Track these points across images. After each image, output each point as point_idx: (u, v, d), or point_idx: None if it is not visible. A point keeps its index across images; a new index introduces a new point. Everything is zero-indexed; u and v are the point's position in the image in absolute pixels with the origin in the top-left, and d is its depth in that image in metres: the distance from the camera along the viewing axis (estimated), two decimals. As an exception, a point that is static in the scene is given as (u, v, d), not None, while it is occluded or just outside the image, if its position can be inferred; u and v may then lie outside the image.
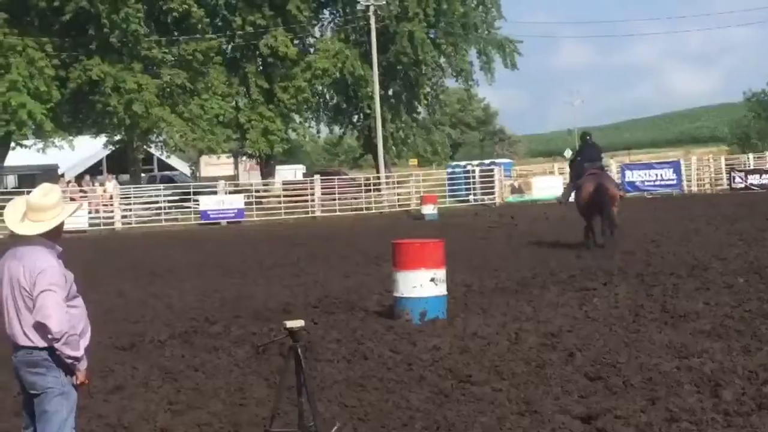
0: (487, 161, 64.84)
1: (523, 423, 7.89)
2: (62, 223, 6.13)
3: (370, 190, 51.79)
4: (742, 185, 49.67)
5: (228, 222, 44.32)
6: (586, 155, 23.13)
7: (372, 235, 29.93)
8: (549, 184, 51.57)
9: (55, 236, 6.07)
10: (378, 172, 54.98)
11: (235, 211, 45.34)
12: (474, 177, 52.69)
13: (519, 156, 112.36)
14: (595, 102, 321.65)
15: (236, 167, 77.85)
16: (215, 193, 48.00)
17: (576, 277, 16.58)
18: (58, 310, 5.89)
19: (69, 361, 5.97)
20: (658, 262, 18.20)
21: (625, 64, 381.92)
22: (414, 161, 72.50)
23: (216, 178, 56.54)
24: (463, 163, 66.30)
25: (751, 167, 52.77)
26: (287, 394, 7.95)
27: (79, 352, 6.01)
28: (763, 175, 50.31)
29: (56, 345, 5.89)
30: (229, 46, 56.05)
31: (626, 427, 7.54)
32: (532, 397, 8.60)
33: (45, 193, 6.08)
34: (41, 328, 5.88)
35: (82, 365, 6.10)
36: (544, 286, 15.74)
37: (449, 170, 59.03)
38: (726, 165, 54.09)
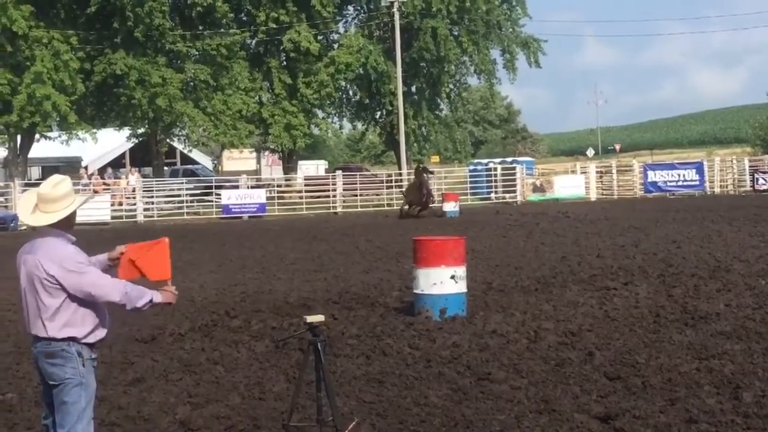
0: (509, 159, 64.76)
1: (542, 421, 7.88)
2: (74, 214, 6.16)
3: (391, 187, 51.80)
4: (766, 186, 49.44)
5: (249, 216, 44.45)
6: None
7: (393, 232, 29.94)
8: (571, 183, 51.52)
9: (66, 226, 6.10)
10: (400, 168, 54.96)
11: (257, 205, 45.44)
12: (496, 175, 52.62)
13: (541, 155, 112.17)
14: (619, 101, 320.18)
15: (258, 162, 78.00)
16: (237, 187, 48.14)
17: (597, 276, 16.54)
18: (103, 281, 5.99)
19: (146, 307, 6.08)
20: (679, 262, 18.14)
21: (648, 63, 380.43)
22: (436, 158, 72.39)
23: (238, 173, 56.69)
24: (485, 160, 66.16)
25: (775, 168, 52.47)
26: (306, 389, 7.97)
27: (147, 297, 6.07)
28: (787, 178, 50.06)
29: (128, 308, 6.00)
30: (253, 41, 56.23)
31: (645, 427, 7.53)
32: (550, 396, 8.60)
33: (54, 184, 6.11)
34: (109, 305, 6.04)
35: (159, 297, 6.16)
36: (564, 284, 15.72)
37: (471, 168, 58.92)
38: (749, 166, 53.84)
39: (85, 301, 5.98)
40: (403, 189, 43.21)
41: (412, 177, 42.08)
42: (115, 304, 5.99)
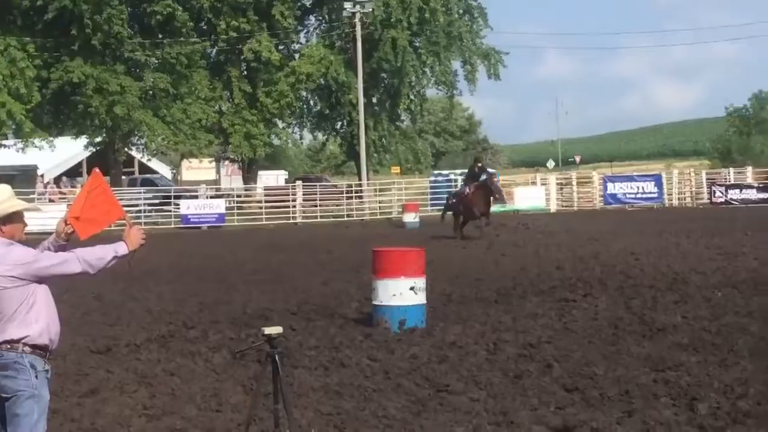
0: (469, 171, 64.83)
1: (500, 433, 7.87)
2: (19, 222, 6.08)
3: (351, 197, 51.75)
4: (723, 199, 49.95)
5: (209, 226, 44.19)
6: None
7: (353, 243, 29.89)
8: (531, 194, 51.70)
9: (11, 234, 6.02)
10: (360, 179, 54.96)
11: (216, 215, 45.21)
12: (456, 186, 52.69)
13: (502, 166, 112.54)
14: (579, 113, 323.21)
15: (218, 171, 77.63)
16: (196, 197, 47.88)
17: (556, 287, 16.59)
18: (57, 258, 5.95)
19: (113, 261, 5.97)
20: (637, 274, 18.24)
21: (609, 76, 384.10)
22: (396, 169, 72.51)
23: (197, 182, 56.46)
24: (446, 171, 66.34)
25: (732, 182, 53.06)
26: (263, 401, 7.90)
27: (110, 254, 5.94)
28: (743, 190, 50.63)
29: (95, 272, 5.95)
30: (213, 50, 56.07)
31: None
32: (508, 408, 8.58)
33: None
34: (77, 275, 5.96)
35: (123, 248, 6.00)
36: (523, 296, 15.75)
37: (432, 179, 59.04)
38: (707, 179, 54.39)
39: (39, 303, 5.91)
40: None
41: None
42: (82, 273, 5.92)
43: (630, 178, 54.56)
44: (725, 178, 54.69)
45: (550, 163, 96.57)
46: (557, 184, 53.85)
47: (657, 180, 52.53)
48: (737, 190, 50.79)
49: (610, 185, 51.99)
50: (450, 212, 31.93)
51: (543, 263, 21.10)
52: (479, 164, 31.08)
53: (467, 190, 29.77)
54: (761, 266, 18.90)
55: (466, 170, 33.33)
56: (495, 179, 31.34)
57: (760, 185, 51.82)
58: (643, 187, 51.79)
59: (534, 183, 55.44)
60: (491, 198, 29.43)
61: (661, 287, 16.16)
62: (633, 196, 51.21)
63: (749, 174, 55.22)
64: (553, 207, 51.01)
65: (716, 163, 79.08)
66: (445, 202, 34.28)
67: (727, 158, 79.44)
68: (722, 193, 50.69)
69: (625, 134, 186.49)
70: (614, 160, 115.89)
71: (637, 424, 7.87)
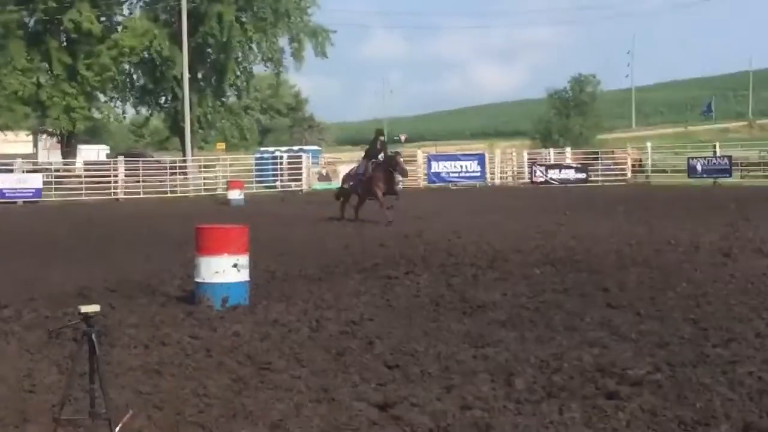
0: (295, 148, 64.86)
1: (321, 410, 7.86)
2: None
3: (175, 174, 50.95)
4: (543, 179, 51.42)
5: (25, 201, 42.76)
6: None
7: (176, 219, 29.41)
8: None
9: None
10: (184, 155, 54.18)
11: (33, 190, 43.82)
12: (282, 163, 52.60)
13: (328, 143, 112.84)
14: (405, 92, 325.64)
15: (35, 145, 75.17)
16: (12, 171, 46.22)
17: (379, 265, 16.71)
18: None
19: None
20: (459, 252, 18.55)
21: (434, 56, 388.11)
22: (222, 146, 71.74)
23: (13, 156, 54.42)
24: (271, 149, 66.08)
25: (552, 162, 54.64)
26: (79, 381, 7.68)
27: None
28: (563, 170, 52.25)
29: None
30: (31, 20, 54.04)
31: (422, 414, 7.62)
32: (330, 385, 8.59)
33: None
34: None
35: None
36: (347, 274, 15.82)
37: (257, 156, 58.70)
38: (528, 159, 55.84)
39: None
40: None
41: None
42: None
43: (454, 158, 55.49)
44: (546, 159, 56.27)
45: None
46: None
47: (480, 159, 53.61)
48: (557, 170, 52.37)
49: (434, 164, 52.77)
50: (345, 191, 28.64)
51: (367, 241, 21.24)
52: (381, 138, 28.57)
53: (369, 168, 27.32)
54: (578, 244, 19.51)
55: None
56: (399, 158, 28.51)
57: (578, 166, 53.58)
58: (466, 167, 52.77)
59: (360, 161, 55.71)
60: (395, 177, 27.66)
61: (481, 265, 16.48)
62: (456, 175, 52.11)
63: (568, 154, 56.98)
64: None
65: (537, 144, 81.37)
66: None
67: (547, 139, 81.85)
68: (543, 173, 52.17)
69: (450, 113, 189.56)
70: (439, 140, 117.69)
71: (456, 400, 8.00)
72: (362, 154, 30.18)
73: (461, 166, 52.72)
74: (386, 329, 10.98)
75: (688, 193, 39.97)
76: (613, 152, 58.96)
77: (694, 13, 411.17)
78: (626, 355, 9.40)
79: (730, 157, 50.42)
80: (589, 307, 12.17)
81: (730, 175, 48.85)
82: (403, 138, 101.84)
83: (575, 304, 12.44)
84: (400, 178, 27.94)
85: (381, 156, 27.51)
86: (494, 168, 54.28)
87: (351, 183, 28.37)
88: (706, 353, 9.33)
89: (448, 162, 53.64)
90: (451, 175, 52.02)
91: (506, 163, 56.11)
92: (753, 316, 11.24)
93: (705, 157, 50.04)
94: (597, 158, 56.41)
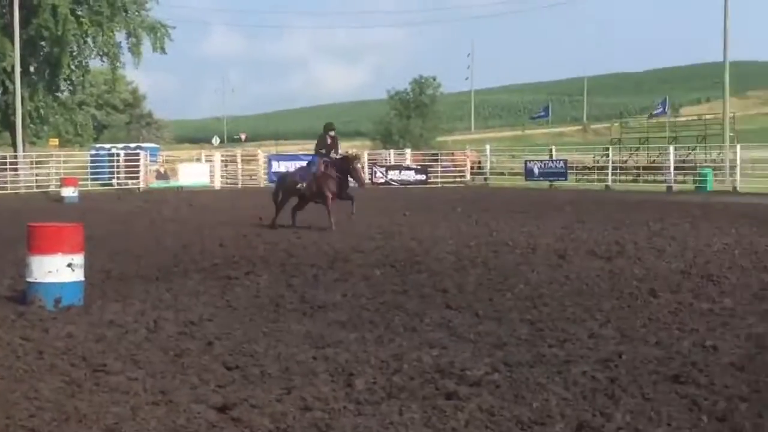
0: (132, 145, 63.70)
1: (158, 413, 7.68)
2: None
3: (6, 170, 49.32)
4: (383, 180, 51.86)
5: None
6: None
7: (6, 217, 28.46)
8: (196, 171, 51.46)
9: None
10: (15, 150, 52.49)
11: None
12: (118, 160, 51.58)
13: (167, 141, 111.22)
14: (247, 91, 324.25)
15: None
16: None
17: (219, 265, 16.53)
18: None
19: None
20: (299, 252, 18.51)
21: (277, 55, 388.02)
22: (55, 141, 69.80)
23: None
24: (107, 145, 64.71)
25: (392, 163, 55.20)
26: None
27: None
28: (403, 171, 52.83)
29: None
30: None
31: (261, 416, 7.53)
32: (168, 387, 8.41)
33: None
34: None
35: None
36: (185, 274, 15.57)
37: (92, 152, 57.37)
38: (369, 160, 56.23)
39: None
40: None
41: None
42: None
43: (295, 157, 55.43)
44: (386, 160, 56.78)
45: (216, 140, 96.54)
46: (222, 161, 53.96)
47: (320, 160, 53.62)
48: (397, 172, 52.93)
49: (274, 163, 52.64)
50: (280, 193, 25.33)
51: (206, 241, 20.98)
52: (331, 133, 25.16)
53: (321, 168, 24.25)
54: (418, 246, 19.71)
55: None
56: (358, 163, 25.74)
57: (418, 167, 54.29)
58: (307, 167, 52.73)
59: (199, 160, 55.23)
60: (348, 178, 24.53)
61: (322, 265, 16.47)
62: (298, 175, 51.98)
63: (408, 156, 57.68)
64: (218, 184, 51.03)
65: (378, 145, 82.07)
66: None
67: (388, 140, 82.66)
68: (383, 174, 52.65)
69: (292, 113, 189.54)
70: (280, 139, 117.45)
71: (296, 401, 7.94)
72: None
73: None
74: (226, 330, 10.84)
75: (525, 195, 40.92)
76: (452, 154, 60.07)
77: (532, 19, 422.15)
78: (465, 355, 9.51)
79: (565, 161, 52.01)
80: (429, 308, 12.27)
81: (566, 178, 50.38)
82: (243, 137, 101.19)
83: (415, 305, 12.54)
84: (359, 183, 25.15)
85: (333, 154, 24.70)
86: (335, 168, 54.38)
87: (304, 183, 24.50)
88: (542, 353, 9.52)
89: (289, 162, 53.48)
90: (292, 174, 51.84)
91: (347, 163, 56.28)
92: (587, 316, 11.53)
93: (542, 161, 51.41)
94: (437, 160, 57.26)
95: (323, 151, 24.68)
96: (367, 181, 52.52)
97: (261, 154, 54.92)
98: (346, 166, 24.31)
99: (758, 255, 17.61)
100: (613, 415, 7.32)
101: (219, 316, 11.79)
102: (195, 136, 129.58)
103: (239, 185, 52.08)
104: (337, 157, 24.70)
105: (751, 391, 7.99)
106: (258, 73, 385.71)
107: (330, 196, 23.97)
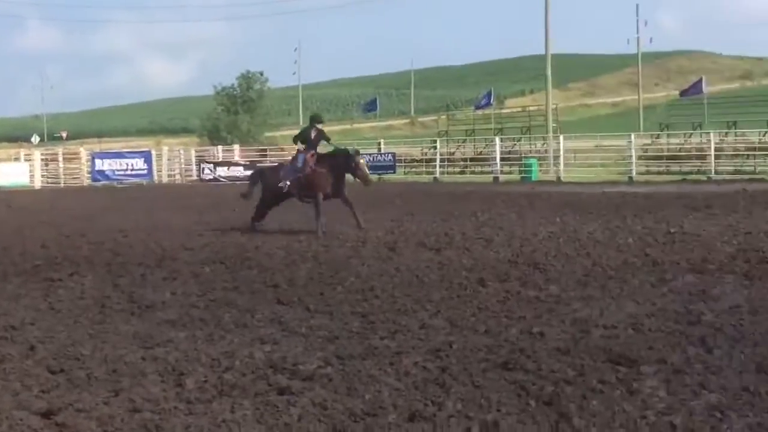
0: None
1: (-23, 423, 7.38)
2: None
3: None
4: (211, 177, 51.34)
5: None
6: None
7: None
8: (14, 170, 49.97)
9: None
10: None
11: None
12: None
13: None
14: (67, 87, 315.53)
15: None
16: None
17: (41, 267, 16.01)
18: None
19: None
20: (126, 252, 18.11)
21: (98, 50, 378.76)
22: None
23: None
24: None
25: (220, 159, 54.70)
26: None
27: None
28: (231, 167, 52.39)
29: None
30: None
31: (88, 420, 7.30)
32: (-12, 395, 8.08)
33: None
34: None
35: None
36: (5, 277, 15.02)
37: None
38: (196, 156, 55.63)
39: None
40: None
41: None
42: None
43: (119, 155, 54.48)
44: (214, 156, 56.24)
45: (35, 138, 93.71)
46: (42, 160, 52.53)
47: (147, 157, 52.90)
48: (225, 168, 52.46)
49: (98, 162, 51.55)
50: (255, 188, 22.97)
51: (27, 242, 20.30)
52: (318, 126, 22.24)
53: (310, 162, 21.65)
54: (248, 241, 19.54)
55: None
56: (360, 158, 22.51)
57: (247, 163, 53.94)
58: (132, 164, 51.92)
59: (17, 159, 53.57)
60: (344, 177, 21.88)
61: (150, 264, 16.15)
62: (122, 173, 51.11)
63: (237, 152, 57.27)
64: (38, 184, 49.63)
65: (205, 141, 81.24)
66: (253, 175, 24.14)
67: (215, 136, 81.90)
68: (211, 170, 52.13)
69: (115, 110, 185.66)
70: (104, 136, 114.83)
71: (124, 403, 7.73)
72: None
73: (127, 164, 51.81)
74: (49, 333, 10.49)
75: (356, 189, 41.20)
76: (282, 149, 59.80)
77: (359, 13, 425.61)
78: (297, 350, 9.46)
79: (394, 154, 52.56)
80: (260, 304, 12.18)
81: (395, 171, 50.91)
82: (64, 135, 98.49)
83: (246, 301, 12.41)
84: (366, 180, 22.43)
85: (319, 149, 22.24)
86: (162, 166, 53.65)
87: (287, 182, 21.80)
88: (374, 345, 9.54)
89: (113, 160, 52.59)
90: (117, 173, 50.95)
91: (174, 160, 55.62)
92: (417, 308, 11.62)
93: (370, 154, 51.78)
94: (266, 155, 57.03)
95: (301, 147, 22.12)
96: (194, 177, 52.11)
97: (84, 153, 53.56)
98: (351, 165, 21.64)
99: (581, 242, 18.10)
100: (445, 404, 7.39)
101: (42, 319, 11.40)
102: (13, 135, 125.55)
103: (61, 184, 50.67)
104: (322, 150, 22.21)
105: (577, 374, 8.19)
106: (79, 69, 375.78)
107: (320, 195, 21.40)
